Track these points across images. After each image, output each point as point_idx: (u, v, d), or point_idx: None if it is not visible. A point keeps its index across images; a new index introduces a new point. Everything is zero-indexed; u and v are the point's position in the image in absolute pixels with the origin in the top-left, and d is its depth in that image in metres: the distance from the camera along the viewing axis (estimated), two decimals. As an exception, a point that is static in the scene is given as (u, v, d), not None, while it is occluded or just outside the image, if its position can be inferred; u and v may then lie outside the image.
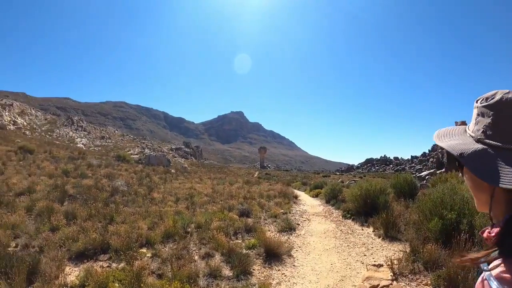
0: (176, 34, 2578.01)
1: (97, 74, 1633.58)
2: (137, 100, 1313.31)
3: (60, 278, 5.18)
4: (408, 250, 6.38)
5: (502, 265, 0.81)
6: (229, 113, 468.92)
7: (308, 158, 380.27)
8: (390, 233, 8.07)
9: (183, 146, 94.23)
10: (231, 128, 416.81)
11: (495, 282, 0.79)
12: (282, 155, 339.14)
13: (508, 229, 0.84)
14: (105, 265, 6.16)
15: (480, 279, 0.85)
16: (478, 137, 0.93)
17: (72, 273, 5.82)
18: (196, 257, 6.75)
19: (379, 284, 5.35)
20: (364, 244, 8.00)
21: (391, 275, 5.58)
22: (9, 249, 6.45)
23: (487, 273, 0.83)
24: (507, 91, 0.91)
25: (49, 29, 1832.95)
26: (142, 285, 4.83)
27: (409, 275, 5.49)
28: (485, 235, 0.93)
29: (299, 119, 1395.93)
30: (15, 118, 55.39)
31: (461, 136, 1.00)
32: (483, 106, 0.94)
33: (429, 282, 5.09)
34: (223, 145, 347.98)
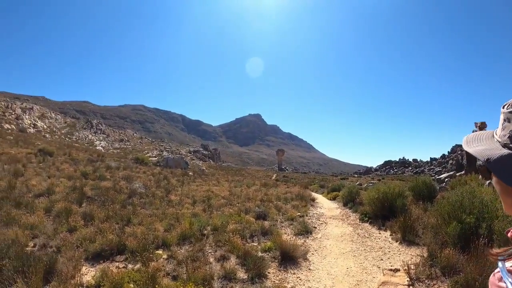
0: (192, 38, 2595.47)
1: (116, 78, 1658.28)
2: (155, 104, 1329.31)
3: (76, 278, 5.27)
4: (425, 254, 6.27)
5: None
6: (246, 115, 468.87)
7: (326, 160, 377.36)
8: (407, 237, 7.95)
9: (201, 149, 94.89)
10: (249, 130, 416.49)
11: (505, 273, 0.86)
12: (300, 157, 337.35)
13: None
14: (121, 266, 6.25)
15: (495, 271, 0.93)
16: (504, 142, 0.93)
17: (88, 273, 5.92)
18: (212, 260, 6.79)
19: (395, 289, 5.28)
20: (381, 248, 7.91)
21: (407, 280, 5.49)
22: (27, 248, 6.58)
23: (501, 265, 0.90)
24: None
25: (70, 34, 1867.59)
26: (156, 286, 4.90)
27: (426, 281, 5.40)
28: (509, 234, 1.00)
29: (317, 121, 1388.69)
30: (35, 121, 56.66)
31: (489, 141, 1.00)
32: (510, 112, 0.95)
33: (446, 288, 5.01)
34: (241, 147, 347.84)
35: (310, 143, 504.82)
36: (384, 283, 5.58)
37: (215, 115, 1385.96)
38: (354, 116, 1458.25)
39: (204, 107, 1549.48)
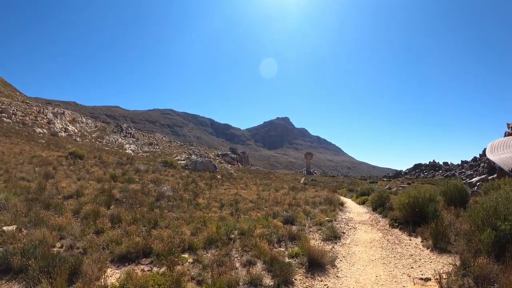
0: (221, 42, 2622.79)
1: (145, 83, 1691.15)
2: (183, 108, 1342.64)
3: (101, 280, 5.38)
4: (458, 263, 6.04)
5: None
6: (275, 119, 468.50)
7: (355, 163, 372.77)
8: (439, 244, 7.69)
9: (229, 152, 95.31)
10: (277, 134, 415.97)
11: None
12: (328, 160, 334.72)
13: None
14: (146, 269, 6.32)
15: None
16: None
17: (113, 275, 6.02)
18: (238, 264, 6.78)
19: (426, 299, 5.12)
20: (412, 255, 7.69)
21: (439, 290, 5.32)
22: (53, 249, 6.75)
23: None
24: None
25: (102, 42, 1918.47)
26: (181, 290, 4.89)
27: (459, 291, 5.21)
28: None
29: (345, 124, 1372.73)
30: (66, 125, 58.36)
31: None
32: None
33: (479, 299, 4.81)
34: (269, 151, 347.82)
35: (338, 146, 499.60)
36: (414, 292, 5.42)
37: (244, 119, 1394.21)
38: (383, 119, 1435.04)
39: (233, 111, 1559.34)
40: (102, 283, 5.29)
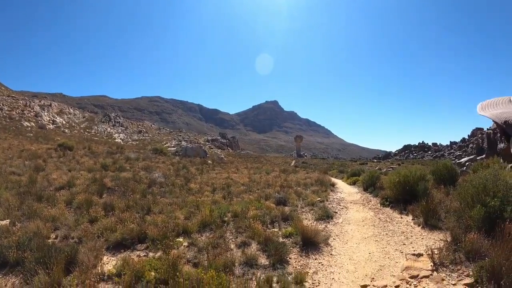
0: (207, 27, 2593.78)
1: (132, 71, 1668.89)
2: (171, 94, 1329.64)
3: (97, 267, 5.39)
4: (449, 239, 6.16)
5: None
6: (263, 102, 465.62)
7: (345, 145, 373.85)
8: (430, 221, 7.83)
9: (219, 137, 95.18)
10: (266, 117, 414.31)
11: None
12: (318, 143, 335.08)
13: None
14: (142, 254, 6.36)
15: None
16: None
17: (110, 262, 6.04)
18: (233, 246, 6.85)
19: (418, 275, 5.23)
20: (403, 232, 7.83)
21: (431, 265, 5.43)
22: (48, 240, 6.74)
23: None
24: None
25: (84, 31, 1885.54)
26: (178, 273, 4.94)
27: (450, 266, 5.32)
28: None
29: (334, 106, 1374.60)
30: (54, 117, 57.52)
31: (506, 105, 0.93)
32: None
33: (471, 273, 4.91)
34: (258, 134, 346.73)
35: (328, 128, 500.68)
36: (407, 268, 5.53)
37: (232, 104, 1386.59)
38: (372, 100, 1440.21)
39: (221, 96, 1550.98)
40: (99, 271, 5.30)
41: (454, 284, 4.84)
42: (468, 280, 4.80)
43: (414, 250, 6.44)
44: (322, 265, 6.19)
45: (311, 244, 6.96)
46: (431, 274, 5.18)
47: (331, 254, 6.72)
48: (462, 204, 6.81)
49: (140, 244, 6.81)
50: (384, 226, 8.57)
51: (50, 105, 63.87)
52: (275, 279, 5.33)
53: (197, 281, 4.52)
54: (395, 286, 5.07)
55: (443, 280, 4.99)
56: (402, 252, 6.49)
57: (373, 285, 5.23)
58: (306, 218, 9.43)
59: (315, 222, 8.94)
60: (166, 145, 46.75)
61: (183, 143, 51.94)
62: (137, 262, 5.41)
